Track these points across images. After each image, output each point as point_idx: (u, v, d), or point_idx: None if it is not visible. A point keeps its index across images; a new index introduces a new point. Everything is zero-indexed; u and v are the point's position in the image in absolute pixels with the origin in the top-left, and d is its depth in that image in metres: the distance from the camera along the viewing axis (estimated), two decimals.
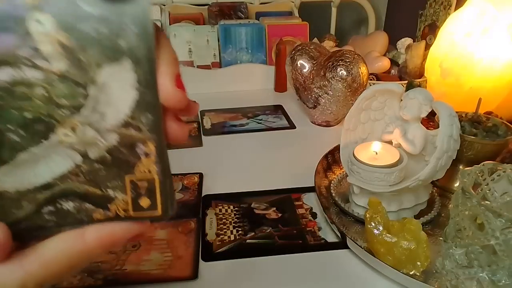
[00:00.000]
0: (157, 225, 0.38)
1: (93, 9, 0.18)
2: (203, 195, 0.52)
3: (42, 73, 0.18)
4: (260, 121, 0.75)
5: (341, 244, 0.43)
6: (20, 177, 0.19)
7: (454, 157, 0.43)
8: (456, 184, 0.51)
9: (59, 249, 0.20)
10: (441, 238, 0.41)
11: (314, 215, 0.48)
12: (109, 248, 0.21)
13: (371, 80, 0.76)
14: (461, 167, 0.49)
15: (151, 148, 0.20)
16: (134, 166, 0.20)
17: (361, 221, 0.44)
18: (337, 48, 0.89)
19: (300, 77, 0.70)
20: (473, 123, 0.51)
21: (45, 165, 0.19)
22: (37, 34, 0.18)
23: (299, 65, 0.70)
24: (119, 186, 0.20)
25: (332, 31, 1.14)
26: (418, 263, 0.37)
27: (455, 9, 0.76)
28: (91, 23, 0.18)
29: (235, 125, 0.73)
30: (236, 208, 0.49)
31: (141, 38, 0.18)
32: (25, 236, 0.20)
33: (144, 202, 0.20)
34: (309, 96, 0.70)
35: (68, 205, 0.20)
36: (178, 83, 0.20)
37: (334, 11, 1.13)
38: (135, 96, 0.19)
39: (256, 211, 0.49)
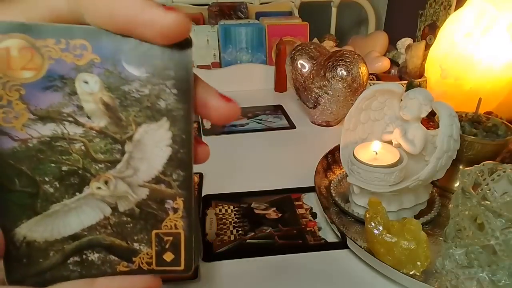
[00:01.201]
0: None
1: (137, 72, 0.18)
2: (203, 195, 0.52)
3: (82, 129, 0.19)
4: (260, 121, 0.75)
5: (341, 244, 0.43)
6: (50, 227, 0.20)
7: (454, 157, 0.43)
8: (456, 184, 0.51)
9: None
10: (441, 238, 0.41)
11: (314, 215, 0.48)
12: None
13: (371, 80, 0.76)
14: (461, 167, 0.49)
15: (179, 204, 0.20)
16: (161, 221, 0.20)
17: (361, 221, 0.44)
18: (337, 48, 0.89)
19: (300, 77, 0.70)
20: (473, 123, 0.51)
21: (76, 216, 0.20)
22: (83, 94, 0.18)
23: (299, 65, 0.70)
24: (144, 240, 0.20)
25: (332, 31, 1.14)
26: (418, 263, 0.37)
27: (455, 9, 0.76)
28: (134, 85, 0.18)
29: (235, 125, 0.73)
30: (236, 208, 0.49)
31: (180, 99, 0.19)
32: (48, 286, 0.20)
33: (168, 256, 0.21)
34: (309, 96, 0.70)
35: (94, 256, 0.20)
36: (224, 97, 0.20)
37: (334, 11, 1.13)
38: (169, 153, 0.19)
39: (256, 211, 0.49)
